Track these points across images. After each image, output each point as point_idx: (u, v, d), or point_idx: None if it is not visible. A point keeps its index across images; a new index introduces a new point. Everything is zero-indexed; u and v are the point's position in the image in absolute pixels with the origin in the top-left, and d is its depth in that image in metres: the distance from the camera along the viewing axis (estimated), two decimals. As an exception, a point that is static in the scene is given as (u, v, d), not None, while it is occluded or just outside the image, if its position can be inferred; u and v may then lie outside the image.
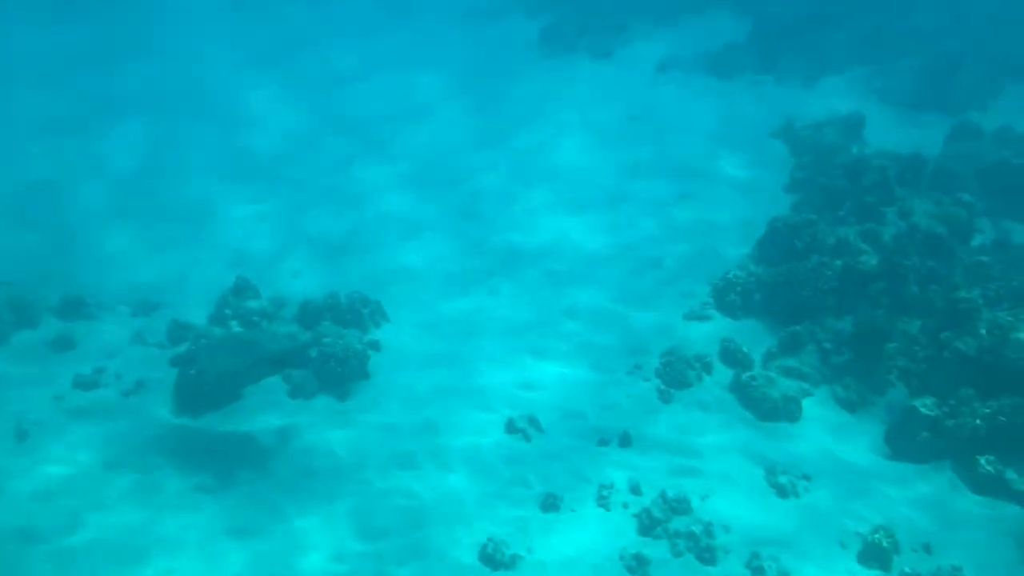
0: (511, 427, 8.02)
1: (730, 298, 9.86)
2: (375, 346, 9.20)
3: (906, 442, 7.86)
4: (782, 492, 7.41)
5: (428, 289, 10.48)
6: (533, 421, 8.06)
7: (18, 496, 7.13)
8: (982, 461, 7.50)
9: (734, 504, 7.20)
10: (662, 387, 8.64)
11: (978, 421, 7.68)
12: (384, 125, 15.02)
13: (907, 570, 6.54)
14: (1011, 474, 7.38)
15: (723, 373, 8.86)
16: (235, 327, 9.27)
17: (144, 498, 7.16)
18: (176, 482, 7.33)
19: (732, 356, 9.03)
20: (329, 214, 12.22)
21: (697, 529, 6.83)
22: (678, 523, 6.92)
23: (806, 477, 7.56)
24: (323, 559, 6.60)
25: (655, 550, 6.71)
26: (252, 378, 7.77)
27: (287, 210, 12.39)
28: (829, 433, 8.22)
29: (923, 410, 7.84)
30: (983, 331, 8.22)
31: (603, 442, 7.90)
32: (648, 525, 6.91)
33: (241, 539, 6.77)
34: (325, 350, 8.57)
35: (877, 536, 6.72)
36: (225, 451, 7.69)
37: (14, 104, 15.41)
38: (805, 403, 8.50)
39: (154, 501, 7.13)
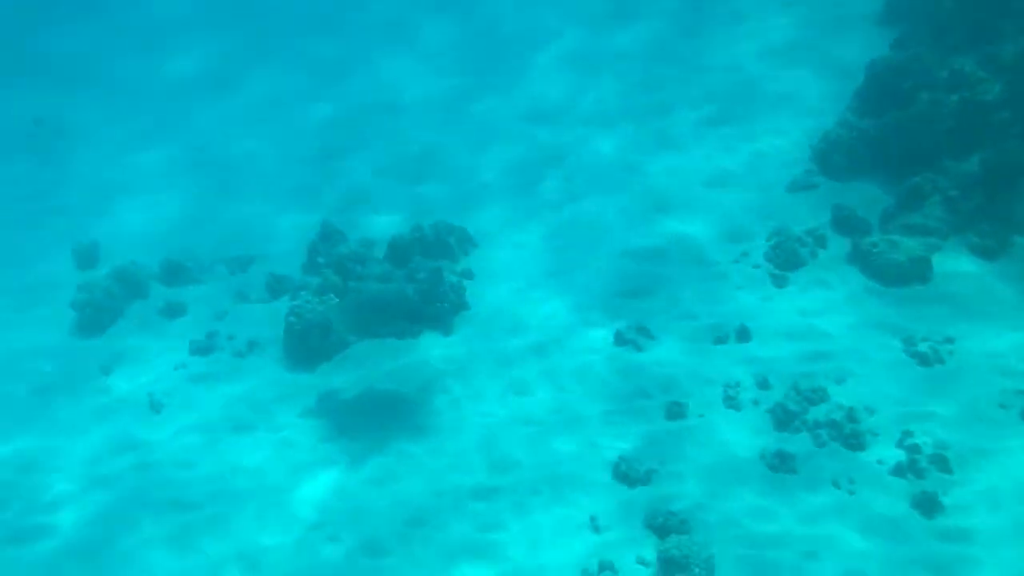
0: (620, 339, 7.74)
1: (835, 159, 9.03)
2: (468, 274, 9.05)
3: (1063, 286, 7.13)
4: (925, 361, 6.89)
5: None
6: (642, 329, 7.75)
7: (166, 467, 7.43)
8: None
9: (874, 383, 6.76)
10: (774, 271, 8.09)
11: None
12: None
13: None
14: None
15: (839, 244, 8.20)
16: (330, 275, 9.28)
17: (282, 454, 7.34)
18: (307, 437, 7.49)
19: (847, 223, 8.33)
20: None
21: (838, 416, 6.47)
22: (816, 413, 6.57)
23: (949, 340, 6.99)
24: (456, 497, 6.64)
25: (797, 444, 6.42)
26: (384, 335, 7.71)
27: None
28: (968, 286, 7.52)
29: (1081, 246, 7.04)
30: None
31: (720, 340, 7.52)
32: (784, 420, 6.60)
33: (378, 487, 6.91)
34: (422, 287, 8.45)
35: (1046, 395, 6.17)
36: (346, 401, 7.80)
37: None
38: (935, 259, 7.78)
39: (292, 457, 7.30)
